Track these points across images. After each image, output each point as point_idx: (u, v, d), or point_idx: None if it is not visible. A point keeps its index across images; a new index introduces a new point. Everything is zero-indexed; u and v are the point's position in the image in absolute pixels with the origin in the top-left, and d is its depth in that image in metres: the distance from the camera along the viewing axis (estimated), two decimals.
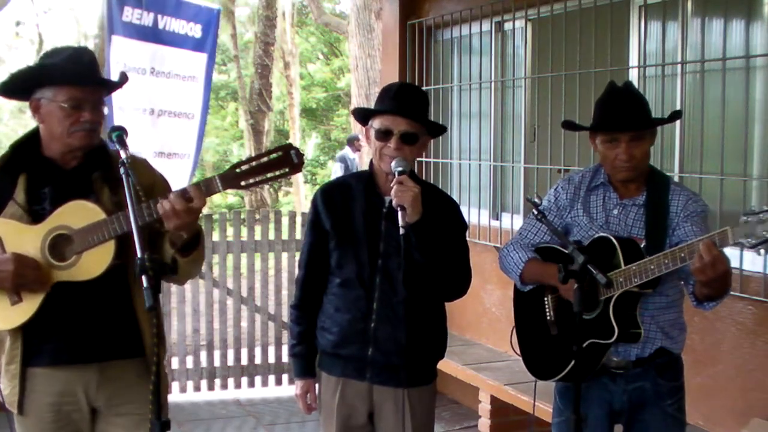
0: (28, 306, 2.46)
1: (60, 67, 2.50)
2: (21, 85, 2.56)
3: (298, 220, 6.37)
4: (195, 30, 6.32)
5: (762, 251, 2.40)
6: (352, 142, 13.31)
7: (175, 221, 2.35)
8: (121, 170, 2.30)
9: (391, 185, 2.68)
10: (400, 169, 2.70)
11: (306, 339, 2.95)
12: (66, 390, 2.55)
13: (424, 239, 2.69)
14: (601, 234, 2.76)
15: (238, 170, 2.36)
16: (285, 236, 6.31)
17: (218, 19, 6.68)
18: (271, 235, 6.38)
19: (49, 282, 2.46)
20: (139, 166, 2.64)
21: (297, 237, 6.24)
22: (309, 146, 23.60)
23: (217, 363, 6.17)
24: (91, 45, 14.55)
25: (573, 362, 2.73)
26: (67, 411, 2.57)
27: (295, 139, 20.26)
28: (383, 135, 2.77)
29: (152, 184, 2.60)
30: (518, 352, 3.03)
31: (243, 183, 2.36)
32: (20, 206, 2.50)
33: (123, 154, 2.35)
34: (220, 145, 23.31)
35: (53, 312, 2.48)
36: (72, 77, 2.48)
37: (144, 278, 2.08)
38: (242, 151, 20.89)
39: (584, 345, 2.73)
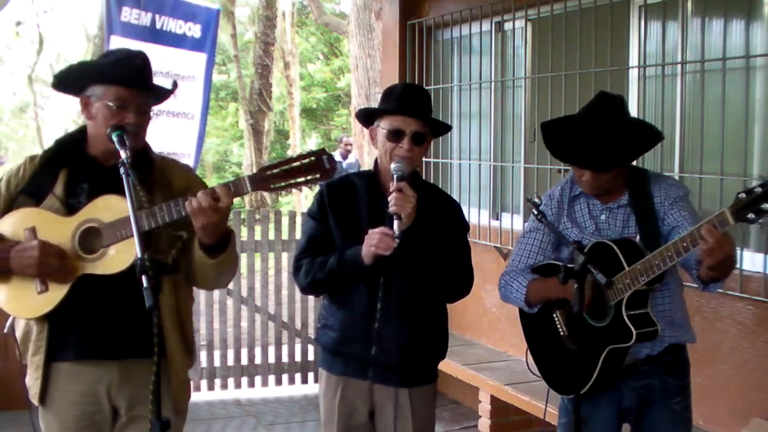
0: (54, 296, 2.48)
1: (111, 66, 2.55)
2: (74, 80, 2.62)
3: (298, 220, 6.37)
4: (194, 30, 6.32)
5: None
6: (339, 143, 13.11)
7: (202, 219, 2.36)
8: (121, 170, 2.32)
9: (390, 191, 2.67)
10: (399, 173, 2.69)
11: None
12: (89, 389, 2.57)
13: (419, 243, 2.69)
14: (596, 240, 2.76)
15: (268, 172, 2.35)
16: (285, 236, 6.31)
17: (218, 19, 6.67)
18: (271, 235, 6.38)
19: (75, 273, 2.47)
20: (176, 169, 2.70)
21: (297, 237, 6.24)
22: (309, 146, 23.62)
23: (217, 363, 6.17)
24: (91, 45, 14.56)
25: (597, 371, 2.74)
26: (90, 412, 2.59)
27: (295, 139, 20.27)
28: (394, 136, 2.76)
29: (186, 187, 2.61)
30: (538, 374, 3.01)
31: (272, 186, 2.35)
32: (58, 199, 2.54)
33: (123, 154, 2.36)
34: (220, 145, 23.31)
35: (78, 305, 2.50)
36: (120, 77, 2.52)
37: (144, 278, 2.09)
38: (242, 151, 20.89)
39: (605, 352, 2.73)
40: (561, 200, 2.92)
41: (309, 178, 2.35)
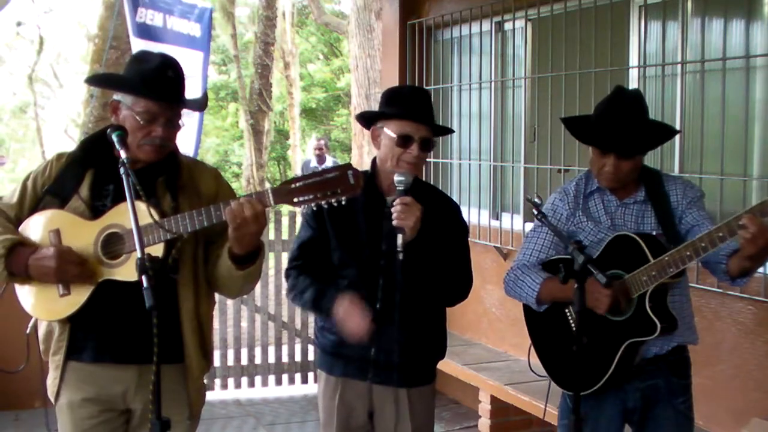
0: (75, 299, 2.48)
1: (142, 78, 2.49)
2: (105, 86, 2.59)
3: (298, 220, 6.36)
4: (195, 29, 6.35)
5: None
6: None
7: (241, 228, 2.32)
8: (121, 170, 2.31)
9: (394, 203, 2.64)
10: (402, 187, 2.66)
11: (318, 281, 2.84)
12: (105, 391, 2.57)
13: (422, 254, 2.68)
14: (619, 233, 2.76)
15: (292, 186, 2.31)
16: (285, 236, 6.31)
17: (211, 17, 6.73)
18: (271, 236, 6.38)
19: (94, 279, 2.47)
20: (205, 174, 2.67)
21: None
22: (309, 146, 23.60)
23: (216, 363, 6.16)
24: (91, 46, 14.56)
25: (614, 366, 2.74)
26: (104, 412, 2.59)
27: (295, 139, 20.27)
28: (404, 141, 2.73)
29: (215, 193, 2.60)
30: (539, 373, 3.00)
31: (295, 200, 2.30)
32: (83, 201, 2.53)
33: (123, 154, 2.35)
34: (220, 145, 23.31)
35: (100, 308, 2.50)
36: (151, 91, 2.47)
37: (144, 278, 2.09)
38: (242, 151, 20.89)
39: (623, 346, 2.73)
40: (577, 195, 2.91)
41: (332, 192, 2.29)
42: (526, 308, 3.00)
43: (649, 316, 2.67)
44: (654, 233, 2.76)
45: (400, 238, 2.60)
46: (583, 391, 2.79)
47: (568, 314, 2.87)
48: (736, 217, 2.45)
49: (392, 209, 2.64)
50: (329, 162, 11.44)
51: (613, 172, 2.76)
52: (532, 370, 3.05)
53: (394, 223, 2.61)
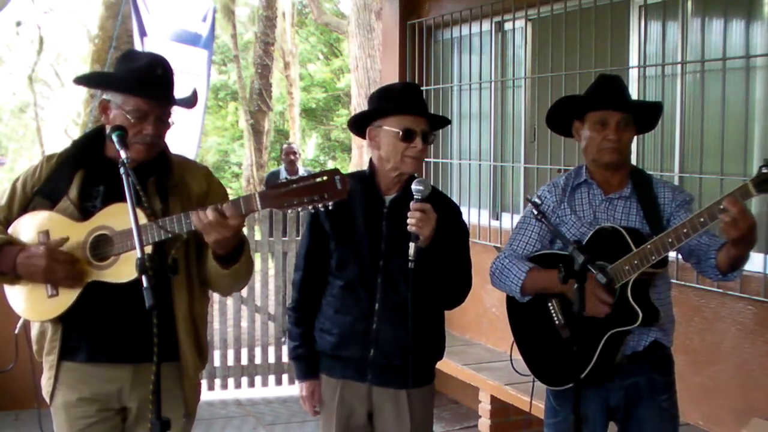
0: (64, 300, 2.49)
1: (132, 76, 2.50)
2: (95, 85, 2.60)
3: (299, 220, 6.37)
4: (202, 28, 6.40)
5: None
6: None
7: (213, 235, 2.35)
8: (121, 170, 2.31)
9: (411, 206, 2.62)
10: (419, 196, 2.64)
11: (308, 340, 2.93)
12: (100, 390, 2.57)
13: (434, 260, 2.67)
14: (605, 225, 2.76)
15: (280, 190, 2.32)
16: (285, 236, 6.31)
17: (214, 14, 6.78)
18: (272, 235, 6.39)
19: (83, 280, 2.47)
20: (196, 173, 2.68)
21: (297, 237, 6.24)
22: (309, 146, 23.62)
23: (217, 363, 6.17)
24: (92, 46, 14.57)
25: (596, 358, 2.74)
26: (99, 411, 2.59)
27: (295, 139, 20.25)
28: (407, 136, 2.72)
29: (206, 193, 2.61)
30: (521, 371, 3.01)
31: (283, 204, 2.31)
32: (72, 202, 2.53)
33: (123, 154, 2.35)
34: (220, 145, 23.31)
35: (91, 308, 2.50)
36: (141, 89, 2.48)
37: (144, 278, 2.09)
38: (242, 151, 20.89)
39: (605, 337, 2.72)
40: (565, 188, 2.93)
41: (319, 197, 2.30)
42: (509, 303, 2.99)
43: (631, 305, 2.67)
44: (640, 230, 2.75)
45: (412, 247, 2.58)
46: (565, 384, 2.80)
47: (551, 308, 2.85)
48: (716, 202, 2.45)
49: (409, 213, 2.62)
50: (302, 172, 9.94)
51: (616, 140, 2.76)
52: (514, 368, 3.06)
53: (410, 228, 2.59)
